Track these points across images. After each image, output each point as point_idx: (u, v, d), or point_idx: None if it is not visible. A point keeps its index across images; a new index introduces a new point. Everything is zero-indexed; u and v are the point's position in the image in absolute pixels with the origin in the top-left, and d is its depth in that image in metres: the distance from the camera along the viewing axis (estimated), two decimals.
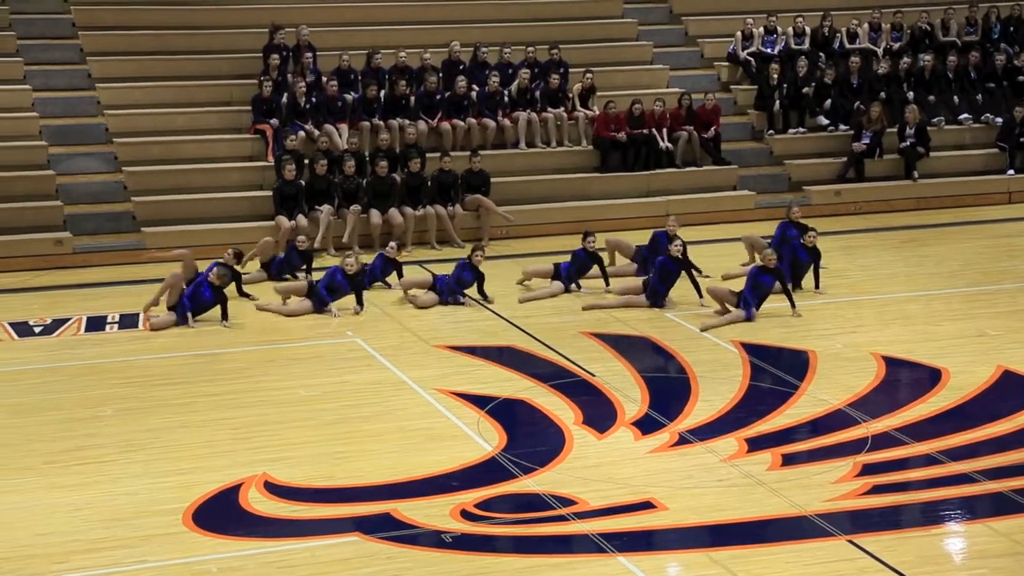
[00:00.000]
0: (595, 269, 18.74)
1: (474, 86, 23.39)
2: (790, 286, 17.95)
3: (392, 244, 19.19)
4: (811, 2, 27.18)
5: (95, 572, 10.82)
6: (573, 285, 18.70)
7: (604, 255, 19.16)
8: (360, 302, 17.85)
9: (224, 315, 17.23)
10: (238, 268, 18.24)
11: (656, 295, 17.91)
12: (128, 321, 17.46)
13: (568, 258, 18.87)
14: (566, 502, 12.01)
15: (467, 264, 18.35)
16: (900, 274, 20.17)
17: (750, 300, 17.32)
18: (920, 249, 21.61)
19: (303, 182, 21.02)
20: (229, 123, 22.94)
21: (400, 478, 12.58)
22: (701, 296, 17.89)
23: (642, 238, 19.78)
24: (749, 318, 17.25)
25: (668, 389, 15.12)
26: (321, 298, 17.68)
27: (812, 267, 18.65)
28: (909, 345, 16.49)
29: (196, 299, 17.30)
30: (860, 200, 24.15)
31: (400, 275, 18.84)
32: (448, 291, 18.18)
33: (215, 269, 17.51)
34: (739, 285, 17.80)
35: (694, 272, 18.10)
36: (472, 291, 18.31)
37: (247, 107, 22.57)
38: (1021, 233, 22.71)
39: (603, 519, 11.69)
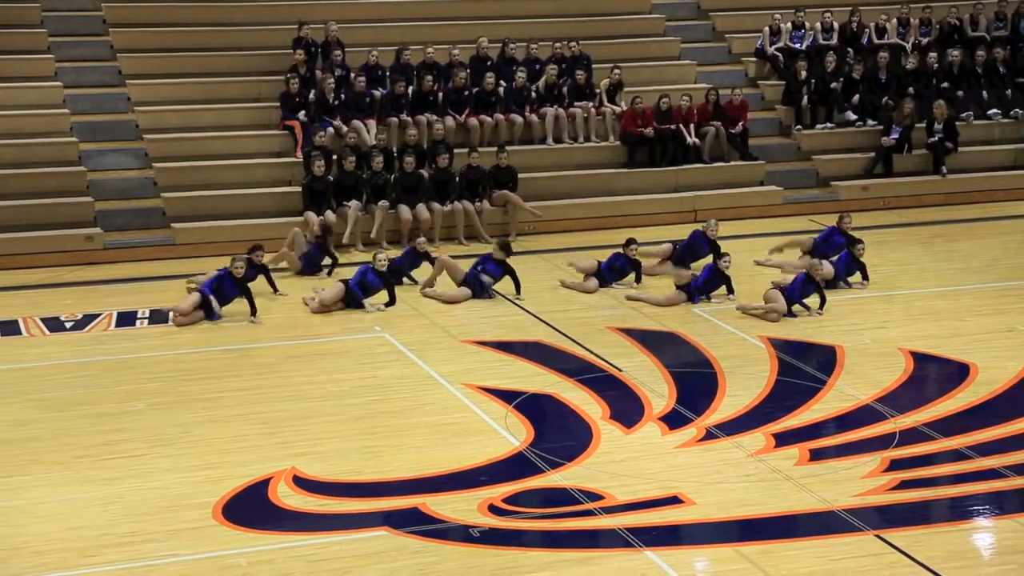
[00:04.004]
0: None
1: (502, 82, 23.41)
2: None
3: (421, 239, 19.23)
4: None
5: (125, 566, 10.90)
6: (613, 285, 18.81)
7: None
8: (392, 298, 17.92)
9: (253, 311, 17.30)
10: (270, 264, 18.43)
11: (697, 297, 18.01)
12: (158, 316, 17.53)
13: (606, 255, 18.96)
14: (593, 497, 12.04)
15: (489, 257, 18.44)
16: (928, 269, 20.13)
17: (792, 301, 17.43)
18: (948, 244, 21.55)
19: (331, 178, 21.09)
20: (258, 119, 23.02)
21: (428, 473, 12.62)
22: (732, 292, 18.00)
23: (671, 233, 19.81)
24: (789, 314, 17.31)
25: (695, 384, 15.13)
26: (356, 297, 17.74)
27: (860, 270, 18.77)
28: (937, 340, 16.47)
29: (219, 291, 17.39)
30: (888, 195, 24.08)
31: (432, 263, 18.82)
32: (473, 280, 18.24)
33: (235, 262, 17.54)
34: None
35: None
36: (504, 287, 18.37)
37: (276, 103, 22.64)
38: None
39: (630, 514, 11.72)
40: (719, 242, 19.22)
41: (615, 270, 18.81)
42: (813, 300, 17.49)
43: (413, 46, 23.61)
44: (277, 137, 22.57)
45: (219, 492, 12.17)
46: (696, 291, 17.94)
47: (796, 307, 17.42)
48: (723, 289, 18.05)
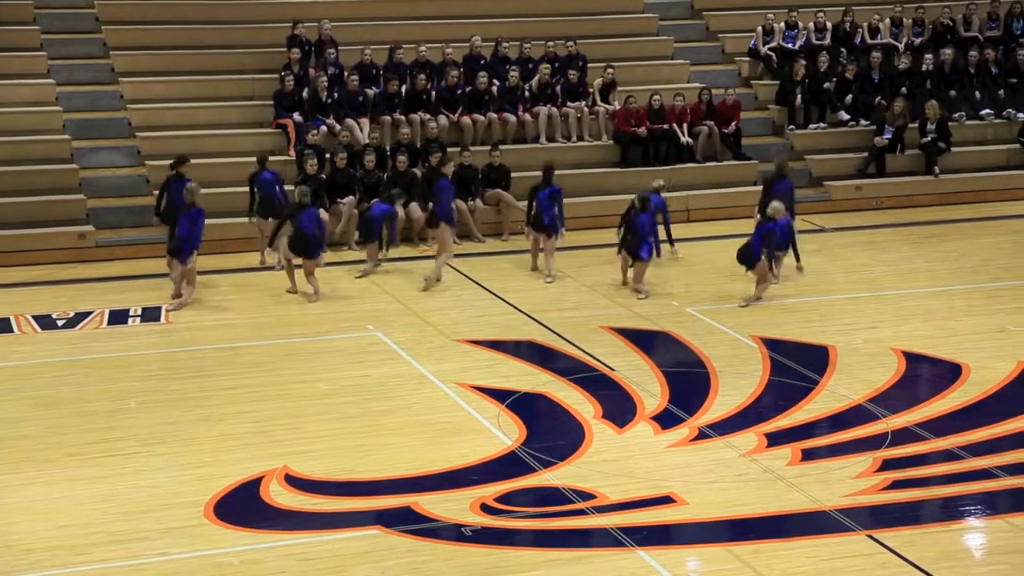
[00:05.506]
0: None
1: (495, 81, 23.40)
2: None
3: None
4: None
5: (117, 564, 10.88)
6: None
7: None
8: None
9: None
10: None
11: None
12: (150, 314, 17.53)
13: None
14: (585, 496, 12.04)
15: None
16: (921, 269, 20.14)
17: (757, 248, 17.73)
18: (941, 244, 21.57)
19: (324, 176, 21.07)
20: (251, 117, 23.00)
21: (420, 472, 12.62)
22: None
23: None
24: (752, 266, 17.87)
25: (688, 384, 15.14)
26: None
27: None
28: (929, 340, 16.48)
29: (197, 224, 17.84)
30: (881, 195, 24.09)
31: None
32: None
33: (186, 188, 18.12)
34: None
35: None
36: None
37: (269, 102, 22.62)
38: None
39: (622, 513, 11.72)
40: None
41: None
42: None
43: (406, 45, 23.60)
44: (270, 135, 22.54)
45: (211, 491, 12.16)
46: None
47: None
48: (715, 291, 18.12)
